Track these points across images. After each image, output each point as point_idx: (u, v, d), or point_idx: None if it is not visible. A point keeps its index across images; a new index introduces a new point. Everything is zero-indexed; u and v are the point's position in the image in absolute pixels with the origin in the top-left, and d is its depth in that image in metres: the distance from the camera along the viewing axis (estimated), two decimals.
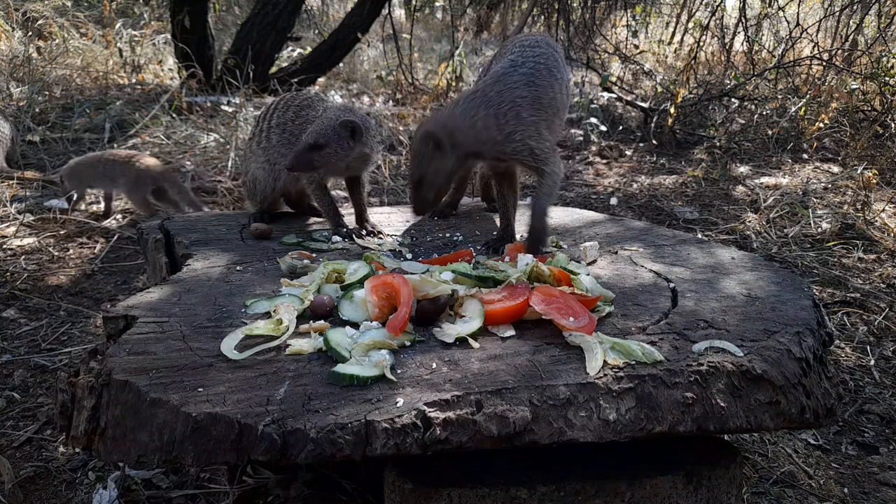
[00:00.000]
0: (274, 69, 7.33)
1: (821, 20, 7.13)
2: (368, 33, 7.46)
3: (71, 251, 3.65)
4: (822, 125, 5.89)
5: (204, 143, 5.27)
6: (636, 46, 7.94)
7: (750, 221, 4.24)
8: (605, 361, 1.38)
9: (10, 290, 3.17)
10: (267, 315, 1.59)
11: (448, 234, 2.33)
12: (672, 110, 6.21)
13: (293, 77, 6.66)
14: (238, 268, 1.93)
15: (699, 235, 3.98)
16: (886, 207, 4.38)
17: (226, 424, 1.19)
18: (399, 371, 1.36)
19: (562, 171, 2.30)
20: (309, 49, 7.80)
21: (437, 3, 10.74)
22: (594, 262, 2.04)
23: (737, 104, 6.71)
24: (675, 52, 8.90)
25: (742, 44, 7.52)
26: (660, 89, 7.14)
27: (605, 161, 5.87)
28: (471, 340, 1.47)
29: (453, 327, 1.51)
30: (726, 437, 1.86)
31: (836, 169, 5.49)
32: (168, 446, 1.21)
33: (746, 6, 6.92)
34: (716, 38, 8.04)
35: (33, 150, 4.90)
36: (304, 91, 2.36)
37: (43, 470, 2.09)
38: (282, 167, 2.29)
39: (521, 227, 2.42)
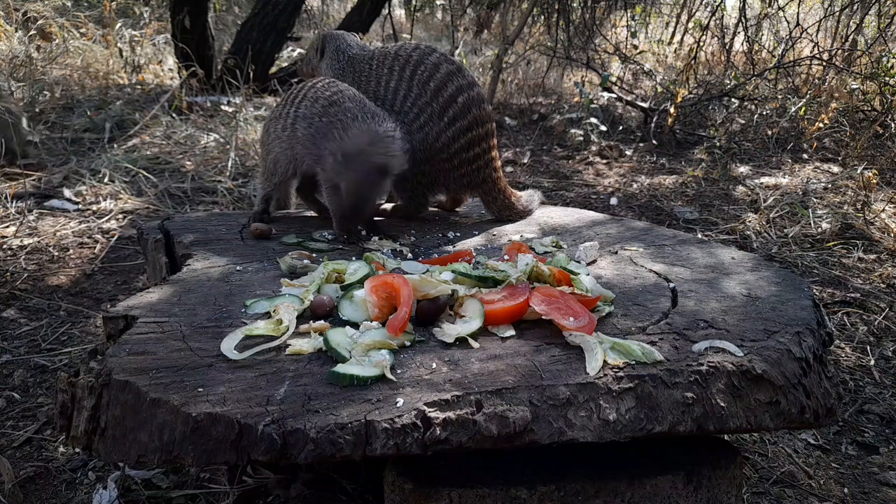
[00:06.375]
0: (274, 69, 7.34)
1: (821, 20, 7.13)
2: (368, 33, 7.46)
3: (71, 251, 3.65)
4: (822, 125, 5.88)
5: (204, 143, 5.26)
6: (636, 46, 7.94)
7: (750, 221, 4.24)
8: (605, 361, 1.38)
9: (10, 290, 3.17)
10: (267, 315, 1.59)
11: (448, 234, 2.33)
12: (672, 110, 6.21)
13: (293, 77, 6.66)
14: (238, 268, 1.93)
15: (699, 235, 3.98)
16: (886, 207, 4.38)
17: (226, 424, 1.19)
18: (399, 371, 1.35)
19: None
20: None
21: (438, 3, 10.73)
22: (594, 262, 2.04)
23: (737, 104, 6.71)
24: (675, 52, 8.90)
25: (742, 44, 7.52)
26: (660, 89, 7.14)
27: (605, 161, 5.86)
28: (471, 340, 1.47)
29: (453, 327, 1.51)
30: (726, 437, 1.86)
31: (836, 169, 5.49)
32: (168, 446, 1.21)
33: (746, 6, 6.92)
34: (716, 38, 8.04)
35: (33, 150, 4.90)
36: (333, 83, 2.28)
37: (43, 470, 2.09)
38: (303, 158, 2.22)
39: (519, 226, 2.42)
